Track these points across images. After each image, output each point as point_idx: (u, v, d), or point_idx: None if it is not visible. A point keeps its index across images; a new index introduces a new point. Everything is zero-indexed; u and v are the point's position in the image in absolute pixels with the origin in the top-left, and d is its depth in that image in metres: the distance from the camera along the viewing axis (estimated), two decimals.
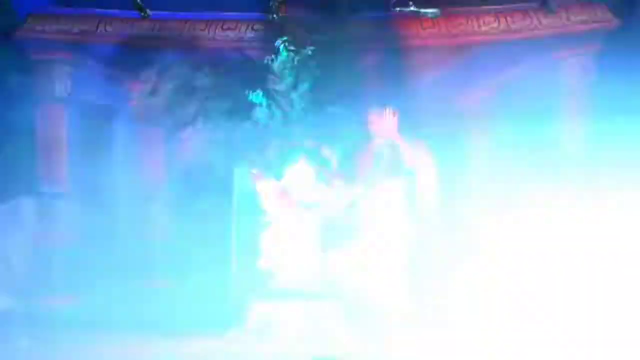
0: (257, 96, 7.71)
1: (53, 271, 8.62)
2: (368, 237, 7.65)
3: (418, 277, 7.81)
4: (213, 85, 7.83)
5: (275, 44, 7.99)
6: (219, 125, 7.68)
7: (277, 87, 7.74)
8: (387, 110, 6.14)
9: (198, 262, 8.77)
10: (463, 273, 8.90)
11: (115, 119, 8.74)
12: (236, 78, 8.11)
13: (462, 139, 8.91)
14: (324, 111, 7.78)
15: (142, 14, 8.47)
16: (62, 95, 8.65)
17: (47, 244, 8.65)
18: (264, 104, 7.69)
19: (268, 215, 7.91)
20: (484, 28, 8.81)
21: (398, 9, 8.29)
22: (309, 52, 7.80)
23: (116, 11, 8.65)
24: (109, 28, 8.64)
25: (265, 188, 7.91)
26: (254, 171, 7.86)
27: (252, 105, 7.75)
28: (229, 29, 8.68)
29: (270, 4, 8.27)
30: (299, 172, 7.91)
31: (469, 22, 8.81)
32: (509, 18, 8.81)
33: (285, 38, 7.98)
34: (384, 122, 6.10)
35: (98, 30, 8.64)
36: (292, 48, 7.88)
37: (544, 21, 8.78)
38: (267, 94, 7.77)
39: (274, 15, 8.31)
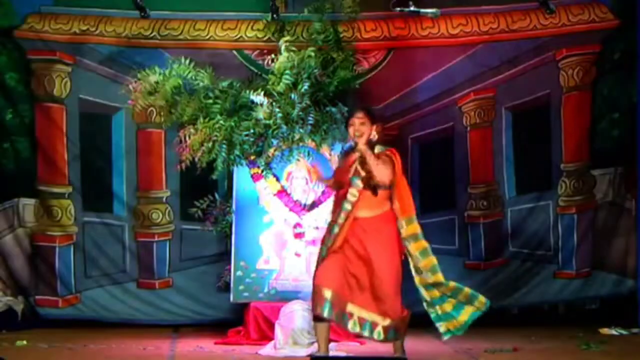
0: (257, 96, 7.69)
1: (53, 271, 8.62)
2: None
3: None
4: (213, 85, 7.81)
5: (277, 44, 7.98)
6: (219, 125, 7.66)
7: (277, 87, 7.73)
8: (362, 113, 6.14)
9: (198, 262, 8.78)
10: None
11: (115, 119, 8.74)
12: (236, 78, 8.10)
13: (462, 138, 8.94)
14: (324, 111, 7.77)
15: (142, 13, 8.47)
16: (61, 95, 8.63)
17: (47, 243, 8.65)
18: (264, 104, 7.68)
19: (268, 215, 7.92)
20: (483, 28, 8.81)
21: (398, 9, 8.28)
22: (309, 52, 7.79)
23: (116, 11, 8.63)
24: (109, 28, 8.63)
25: (265, 188, 7.91)
26: (254, 171, 7.86)
27: (252, 105, 7.73)
28: (229, 29, 8.68)
29: (270, 4, 8.26)
30: (299, 172, 7.92)
31: (469, 22, 8.80)
32: (508, 18, 8.81)
33: (285, 38, 7.97)
34: (359, 125, 6.10)
35: (98, 30, 8.63)
36: (292, 48, 7.86)
37: (544, 21, 8.78)
38: (267, 94, 7.76)
39: (274, 15, 8.31)
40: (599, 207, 8.86)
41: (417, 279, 6.14)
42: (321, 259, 6.12)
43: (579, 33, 8.79)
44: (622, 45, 8.77)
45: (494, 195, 8.89)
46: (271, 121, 7.63)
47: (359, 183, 6.08)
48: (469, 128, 8.91)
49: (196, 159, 7.67)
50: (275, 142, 7.71)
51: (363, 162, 6.07)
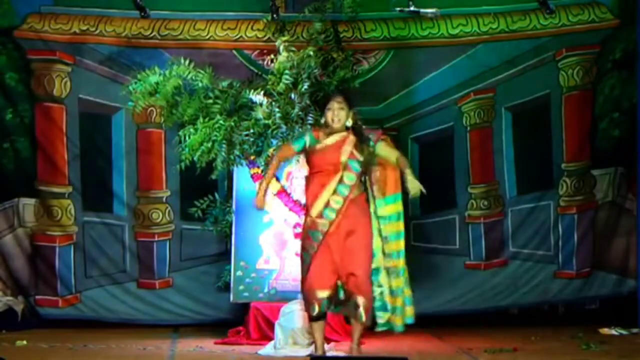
0: (256, 96, 7.69)
1: (53, 271, 8.62)
2: None
3: None
4: (213, 85, 7.81)
5: (276, 44, 7.97)
6: (218, 125, 7.65)
7: (277, 87, 7.73)
8: (341, 98, 6.21)
9: (198, 262, 8.78)
10: None
11: (115, 119, 8.74)
12: (236, 78, 8.10)
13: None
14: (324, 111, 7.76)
15: (142, 13, 8.46)
16: (61, 95, 8.63)
17: (47, 243, 8.65)
18: (264, 103, 7.68)
19: (268, 215, 7.91)
20: (483, 28, 8.81)
21: (398, 9, 8.28)
22: (309, 52, 7.78)
23: (116, 11, 8.63)
24: (108, 28, 8.63)
25: None
26: (254, 171, 7.85)
27: (251, 105, 7.73)
28: (229, 29, 8.68)
29: (270, 4, 8.26)
30: (299, 172, 7.91)
31: (469, 22, 8.80)
32: (508, 18, 8.81)
33: (283, 38, 7.97)
34: (338, 110, 6.15)
35: (98, 30, 8.63)
36: (291, 48, 7.86)
37: (544, 21, 8.78)
38: (267, 93, 7.76)
39: (274, 15, 8.31)
40: (600, 207, 8.86)
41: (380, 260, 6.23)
42: (307, 267, 6.17)
43: (579, 33, 8.79)
44: (622, 45, 8.77)
45: (495, 195, 8.89)
46: (270, 121, 7.63)
47: (357, 167, 6.13)
48: (469, 128, 8.91)
49: (196, 159, 7.67)
50: (274, 142, 7.70)
51: (358, 145, 6.13)
